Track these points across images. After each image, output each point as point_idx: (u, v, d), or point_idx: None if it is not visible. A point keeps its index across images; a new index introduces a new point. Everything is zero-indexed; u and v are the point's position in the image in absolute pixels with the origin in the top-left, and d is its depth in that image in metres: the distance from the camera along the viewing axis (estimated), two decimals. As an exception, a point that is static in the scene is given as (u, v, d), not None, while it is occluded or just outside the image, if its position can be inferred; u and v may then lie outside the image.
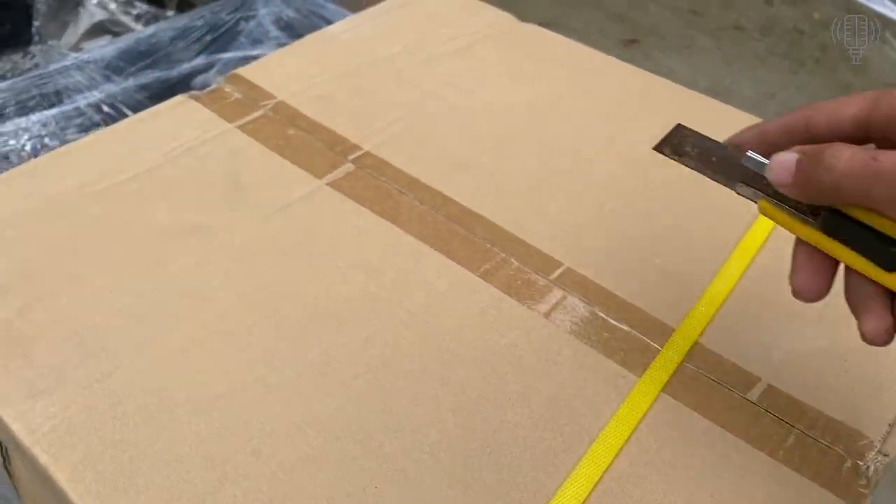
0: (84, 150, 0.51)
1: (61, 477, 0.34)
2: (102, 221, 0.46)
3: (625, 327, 0.42)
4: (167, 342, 0.40)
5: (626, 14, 2.76)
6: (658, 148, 0.35)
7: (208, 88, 0.57)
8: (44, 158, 0.50)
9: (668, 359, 0.40)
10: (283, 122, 0.54)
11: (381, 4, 0.67)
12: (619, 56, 0.62)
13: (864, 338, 0.28)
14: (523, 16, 0.66)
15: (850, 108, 0.29)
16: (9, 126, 1.05)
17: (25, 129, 1.05)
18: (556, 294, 0.43)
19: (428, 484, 0.35)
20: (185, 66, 1.14)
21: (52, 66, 1.13)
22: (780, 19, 2.70)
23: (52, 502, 0.46)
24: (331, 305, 0.42)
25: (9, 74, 1.59)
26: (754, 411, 0.38)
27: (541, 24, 0.65)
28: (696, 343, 0.41)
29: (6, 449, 0.56)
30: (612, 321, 0.42)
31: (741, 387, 0.39)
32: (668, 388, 0.39)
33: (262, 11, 1.25)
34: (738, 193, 0.32)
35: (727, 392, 0.39)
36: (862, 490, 0.35)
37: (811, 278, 0.29)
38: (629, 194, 0.50)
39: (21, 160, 0.99)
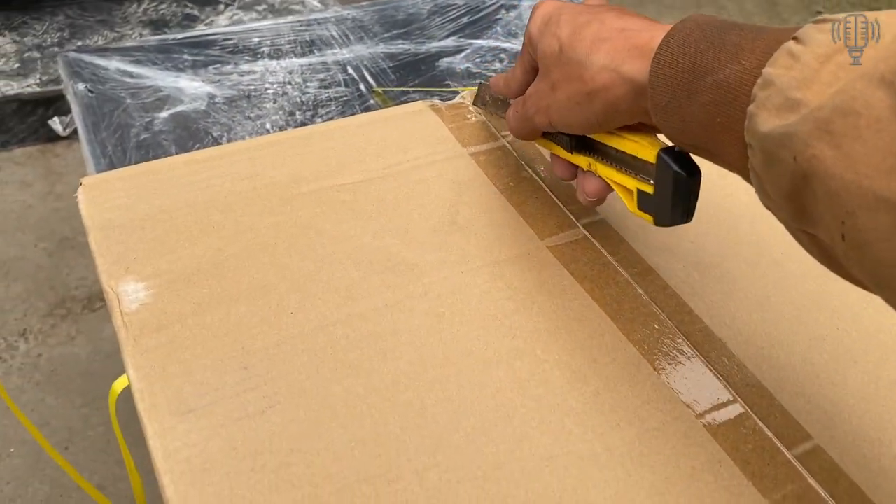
0: (307, 141, 0.48)
1: (182, 520, 0.31)
2: (308, 228, 0.42)
3: (876, 554, 0.32)
4: (333, 392, 0.35)
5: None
6: (475, 104, 0.51)
7: (450, 101, 0.52)
8: (265, 139, 0.47)
9: None
10: (519, 162, 0.48)
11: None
12: None
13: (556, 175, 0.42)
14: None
15: (518, 66, 0.42)
16: (259, 66, 1.08)
17: (272, 73, 1.07)
18: (797, 479, 0.34)
19: None
20: (435, 45, 1.11)
21: (314, 16, 1.14)
22: None
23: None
24: (520, 405, 0.36)
25: (277, 4, 1.66)
26: None
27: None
28: None
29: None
30: (860, 539, 0.32)
31: None
32: None
33: (525, 3, 1.20)
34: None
35: None
36: None
37: (562, 170, 0.41)
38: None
39: (261, 101, 1.01)
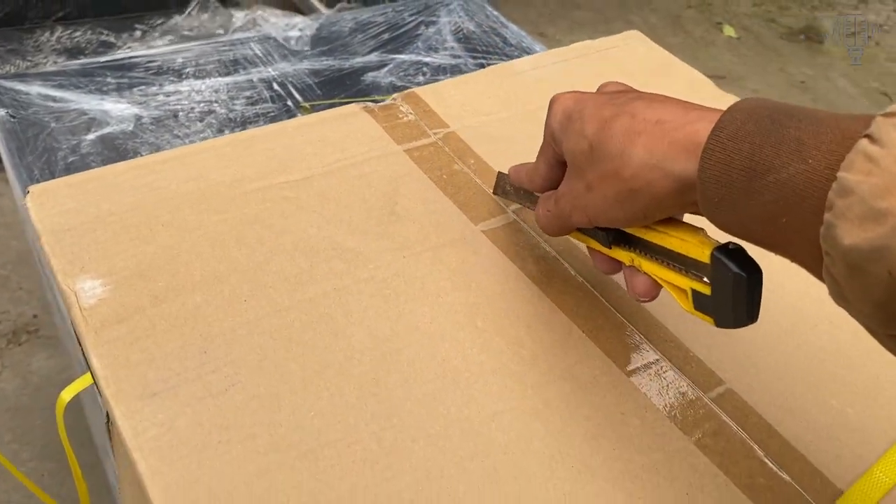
0: (247, 144, 0.50)
1: (155, 493, 0.33)
2: (254, 223, 0.45)
3: (784, 476, 0.36)
4: (290, 369, 0.38)
5: (810, 83, 2.61)
6: (495, 192, 0.49)
7: (382, 103, 0.55)
8: (207, 143, 0.50)
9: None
10: (450, 156, 0.51)
11: (576, 46, 0.63)
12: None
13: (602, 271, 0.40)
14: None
15: (540, 161, 0.40)
16: (184, 86, 1.09)
17: (198, 92, 1.08)
18: (713, 418, 0.38)
19: None
20: (359, 60, 1.14)
21: (237, 36, 1.16)
22: None
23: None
24: (464, 370, 0.39)
25: (195, 30, 1.67)
26: None
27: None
28: (867, 518, 0.35)
29: (111, 414, 0.57)
30: (770, 464, 0.37)
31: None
32: (824, 565, 0.33)
33: (444, 20, 1.24)
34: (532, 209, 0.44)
35: (896, 590, 0.33)
36: None
37: (602, 264, 0.40)
38: (813, 320, 0.44)
39: (189, 120, 1.02)
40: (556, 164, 0.39)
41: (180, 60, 1.14)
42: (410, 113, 0.54)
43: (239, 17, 1.20)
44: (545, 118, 0.38)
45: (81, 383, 0.60)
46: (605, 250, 0.39)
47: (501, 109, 0.56)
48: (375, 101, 0.54)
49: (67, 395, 0.59)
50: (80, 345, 0.39)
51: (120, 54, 1.13)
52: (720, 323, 0.33)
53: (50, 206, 0.44)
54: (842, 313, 0.27)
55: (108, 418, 0.60)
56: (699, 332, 0.42)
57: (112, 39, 2.00)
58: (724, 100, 0.60)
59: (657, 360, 0.41)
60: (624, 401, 0.39)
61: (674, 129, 0.31)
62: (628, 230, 0.36)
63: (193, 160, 0.48)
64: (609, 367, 0.40)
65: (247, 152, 0.49)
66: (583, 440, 0.37)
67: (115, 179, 0.46)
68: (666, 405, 0.39)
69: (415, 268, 0.44)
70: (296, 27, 1.18)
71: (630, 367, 0.40)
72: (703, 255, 0.32)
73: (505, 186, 0.48)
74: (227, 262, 0.42)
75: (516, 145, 0.53)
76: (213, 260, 0.42)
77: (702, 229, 0.34)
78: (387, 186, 0.48)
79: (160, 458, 0.34)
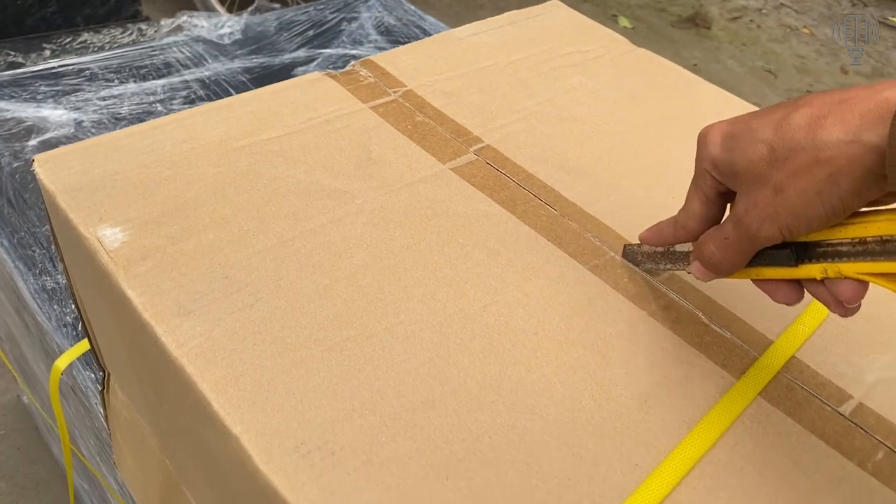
0: (229, 109, 0.55)
1: (206, 388, 0.38)
2: (248, 173, 0.50)
3: (726, 334, 0.44)
4: (305, 285, 0.43)
5: (702, 66, 2.78)
6: (623, 259, 0.48)
7: (343, 70, 0.61)
8: (193, 110, 0.54)
9: (766, 366, 0.42)
10: (411, 109, 0.58)
11: (506, 15, 0.71)
12: (728, 90, 0.65)
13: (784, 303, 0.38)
14: (637, 42, 0.69)
15: (692, 202, 0.40)
16: (118, 90, 1.11)
17: (135, 95, 1.10)
18: (661, 295, 0.46)
19: (536, 441, 0.37)
20: (288, 56, 1.19)
21: (165, 40, 1.19)
22: (855, 90, 2.70)
23: (146, 434, 0.49)
24: (454, 275, 0.45)
25: (107, 47, 1.66)
26: (845, 425, 0.40)
27: (654, 51, 0.68)
28: (793, 356, 0.43)
29: (107, 376, 0.61)
30: (713, 326, 0.45)
31: (834, 401, 0.41)
32: (764, 392, 0.41)
33: (365, 15, 1.30)
34: (687, 272, 0.42)
35: (820, 404, 0.41)
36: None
37: (786, 294, 0.38)
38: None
39: (130, 122, 1.05)
40: (716, 196, 0.38)
41: (113, 66, 1.16)
42: (370, 76, 0.60)
43: (166, 23, 1.23)
44: (696, 152, 0.38)
45: (77, 350, 0.63)
46: (788, 273, 0.36)
47: (449, 69, 0.63)
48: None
49: (62, 363, 0.62)
50: (108, 286, 0.44)
51: (51, 63, 1.15)
52: None
53: (58, 170, 0.48)
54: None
55: (104, 385, 0.63)
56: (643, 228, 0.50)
57: (20, 60, 1.97)
58: (637, 52, 0.69)
59: (613, 256, 0.48)
60: (589, 289, 0.46)
61: (861, 102, 0.31)
62: (816, 238, 0.35)
63: (183, 124, 0.53)
64: (574, 265, 0.47)
65: (231, 115, 0.54)
66: (560, 319, 0.44)
67: (114, 144, 0.50)
68: (623, 289, 0.46)
69: (396, 200, 0.50)
70: (224, 26, 1.22)
71: (591, 265, 0.48)
72: None
73: (636, 257, 0.47)
74: (230, 206, 0.48)
75: (467, 98, 0.60)
76: (217, 205, 0.47)
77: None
78: (360, 137, 0.54)
79: (205, 361, 0.39)
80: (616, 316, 0.44)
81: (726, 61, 2.75)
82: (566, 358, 0.42)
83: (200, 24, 1.23)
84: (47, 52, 2.08)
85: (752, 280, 0.39)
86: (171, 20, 1.23)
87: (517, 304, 0.44)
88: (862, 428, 0.40)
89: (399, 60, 0.63)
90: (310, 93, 0.58)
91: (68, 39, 1.83)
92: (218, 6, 1.75)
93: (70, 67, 1.14)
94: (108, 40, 1.81)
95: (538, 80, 0.63)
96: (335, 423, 0.37)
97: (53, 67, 1.14)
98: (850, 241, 0.34)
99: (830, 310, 0.36)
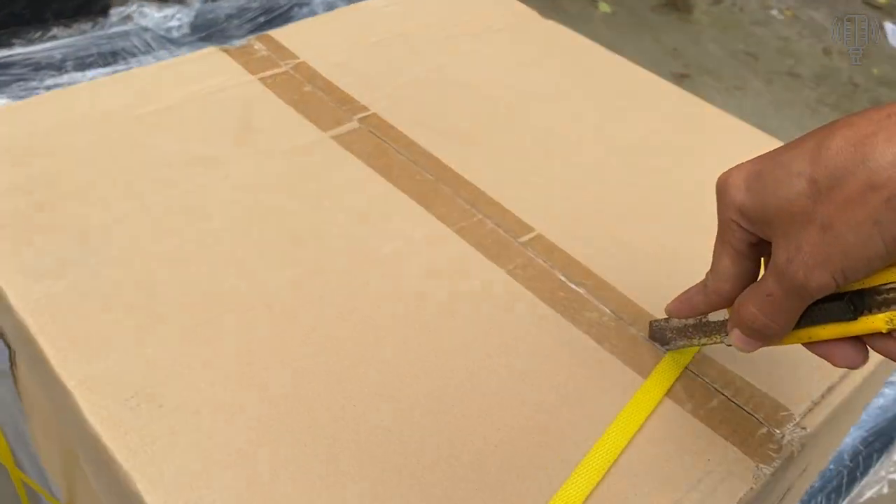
0: (117, 83, 0.56)
1: (43, 341, 0.39)
2: (122, 144, 0.50)
3: (580, 290, 0.45)
4: (162, 248, 0.44)
5: (682, 49, 2.77)
6: (650, 339, 0.42)
7: (239, 43, 0.61)
8: (84, 84, 0.55)
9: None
10: (300, 80, 0.58)
11: (414, -12, 0.71)
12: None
13: (845, 366, 0.33)
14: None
15: (721, 261, 0.34)
16: (64, 79, 1.12)
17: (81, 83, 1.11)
18: (522, 255, 0.46)
19: (394, 387, 0.38)
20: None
21: (113, 30, 1.20)
22: (836, 71, 2.69)
23: (46, 398, 0.50)
24: (313, 238, 0.46)
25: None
26: (687, 375, 0.40)
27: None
28: (640, 309, 0.44)
29: (13, 353, 0.61)
30: (570, 284, 0.45)
31: (677, 352, 0.42)
32: (600, 338, 0.42)
33: (317, 1, 1.31)
34: (726, 344, 0.37)
35: (661, 353, 0.41)
36: (771, 454, 0.37)
37: (846, 356, 0.33)
38: (611, 179, 0.53)
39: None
40: (747, 249, 0.33)
41: (58, 56, 1.17)
42: (264, 49, 0.61)
43: (115, 13, 1.24)
44: (717, 206, 0.33)
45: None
46: (846, 330, 0.31)
47: (344, 41, 0.63)
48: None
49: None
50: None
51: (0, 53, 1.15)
52: None
53: (-69, 143, 0.49)
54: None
55: (11, 361, 0.64)
56: (513, 197, 0.50)
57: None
58: (544, 24, 0.69)
59: (481, 218, 0.49)
60: (455, 250, 0.46)
61: None
62: (874, 283, 0.30)
63: (68, 97, 0.54)
64: (442, 228, 0.48)
65: (117, 88, 0.55)
66: (416, 280, 0.44)
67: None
68: (486, 249, 0.46)
69: (268, 167, 0.50)
70: (174, 17, 1.22)
71: (457, 227, 0.48)
72: None
73: (664, 335, 0.41)
74: (98, 174, 0.48)
75: (358, 68, 0.60)
76: (84, 174, 0.48)
77: None
78: (241, 107, 0.55)
79: (48, 317, 0.40)
80: (474, 272, 0.45)
81: (707, 45, 2.74)
82: (424, 316, 0.42)
83: (150, 14, 1.23)
84: (17, 48, 2.08)
85: (805, 345, 0.34)
86: (121, 9, 1.24)
87: (376, 265, 0.45)
88: (702, 378, 0.40)
89: (296, 34, 0.63)
90: (200, 66, 0.58)
91: (38, 34, 1.83)
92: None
93: (18, 57, 1.15)
94: (77, 35, 1.81)
95: (431, 49, 0.63)
96: (169, 377, 0.38)
97: (2, 58, 1.15)
98: None
99: (846, 366, 0.32)
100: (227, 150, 0.51)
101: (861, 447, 0.76)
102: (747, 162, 0.32)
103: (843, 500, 0.73)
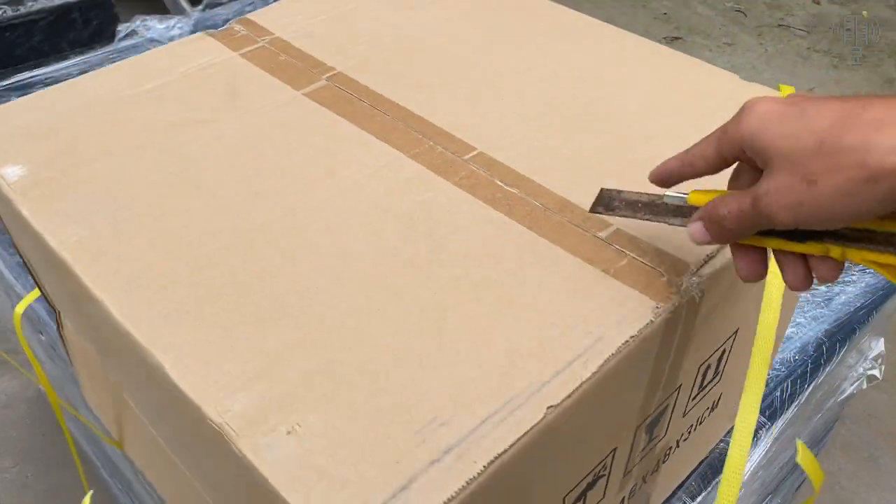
0: (118, 70, 0.66)
1: (80, 271, 0.48)
2: (129, 116, 0.60)
3: (514, 191, 0.53)
4: (172, 195, 0.53)
5: (672, 13, 2.82)
6: (593, 210, 0.49)
7: (222, 28, 0.71)
8: (89, 74, 0.65)
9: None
10: (275, 52, 0.67)
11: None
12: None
13: (789, 286, 0.40)
14: None
15: (709, 147, 0.40)
16: None
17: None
18: (466, 168, 0.55)
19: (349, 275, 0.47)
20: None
21: (122, 44, 1.30)
22: (826, 17, 2.72)
23: (88, 339, 0.60)
24: (288, 169, 0.55)
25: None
26: (602, 244, 0.49)
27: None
28: (566, 201, 0.52)
29: (59, 314, 0.71)
30: (505, 187, 0.53)
31: (595, 229, 0.50)
32: (531, 225, 0.50)
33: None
34: (670, 224, 0.45)
35: (582, 232, 0.50)
36: (671, 294, 0.45)
37: (751, 266, 0.41)
38: (552, 107, 0.61)
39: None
40: (733, 159, 0.39)
41: (75, 72, 1.27)
42: (243, 30, 0.70)
43: (121, 28, 1.34)
44: (737, 115, 0.38)
45: (31, 297, 0.74)
46: (791, 246, 0.39)
47: (313, 16, 0.72)
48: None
49: (20, 308, 0.73)
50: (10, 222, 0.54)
51: (17, 77, 1.26)
52: None
53: (-30, 131, 0.59)
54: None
55: (58, 323, 0.74)
56: (460, 125, 0.59)
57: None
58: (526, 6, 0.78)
59: (431, 144, 0.57)
60: (409, 171, 0.55)
61: None
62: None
63: (77, 86, 0.64)
64: (398, 155, 0.56)
65: (119, 74, 0.65)
66: (379, 196, 0.53)
67: (21, 106, 0.61)
68: (436, 167, 0.55)
69: (254, 124, 0.60)
70: (175, 26, 1.32)
71: (412, 153, 0.57)
72: None
73: (612, 202, 0.48)
74: (113, 142, 0.58)
75: (326, 37, 0.69)
76: (100, 143, 0.58)
77: None
78: (227, 79, 0.64)
79: (85, 252, 0.49)
80: (424, 187, 0.54)
81: (696, 7, 2.79)
82: (387, 221, 0.51)
83: (154, 26, 1.34)
84: (36, 70, 2.20)
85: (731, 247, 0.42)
86: (126, 24, 1.34)
87: (343, 188, 0.54)
88: (614, 245, 0.49)
89: (270, 14, 0.73)
90: (190, 49, 0.68)
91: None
92: (185, 4, 1.87)
93: (38, 77, 1.26)
94: (90, 52, 1.93)
95: (394, 16, 0.72)
96: (191, 287, 0.47)
97: (24, 79, 1.26)
98: (873, 230, 0.36)
99: (791, 286, 0.40)
100: (219, 114, 0.60)
101: (825, 338, 0.83)
102: (779, 99, 0.37)
103: (808, 385, 0.80)
